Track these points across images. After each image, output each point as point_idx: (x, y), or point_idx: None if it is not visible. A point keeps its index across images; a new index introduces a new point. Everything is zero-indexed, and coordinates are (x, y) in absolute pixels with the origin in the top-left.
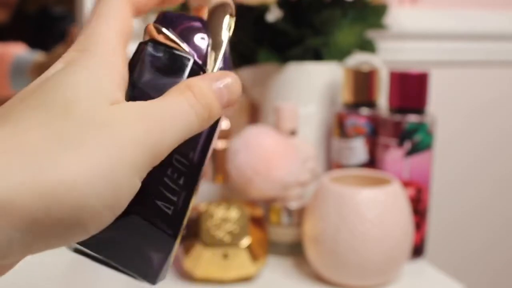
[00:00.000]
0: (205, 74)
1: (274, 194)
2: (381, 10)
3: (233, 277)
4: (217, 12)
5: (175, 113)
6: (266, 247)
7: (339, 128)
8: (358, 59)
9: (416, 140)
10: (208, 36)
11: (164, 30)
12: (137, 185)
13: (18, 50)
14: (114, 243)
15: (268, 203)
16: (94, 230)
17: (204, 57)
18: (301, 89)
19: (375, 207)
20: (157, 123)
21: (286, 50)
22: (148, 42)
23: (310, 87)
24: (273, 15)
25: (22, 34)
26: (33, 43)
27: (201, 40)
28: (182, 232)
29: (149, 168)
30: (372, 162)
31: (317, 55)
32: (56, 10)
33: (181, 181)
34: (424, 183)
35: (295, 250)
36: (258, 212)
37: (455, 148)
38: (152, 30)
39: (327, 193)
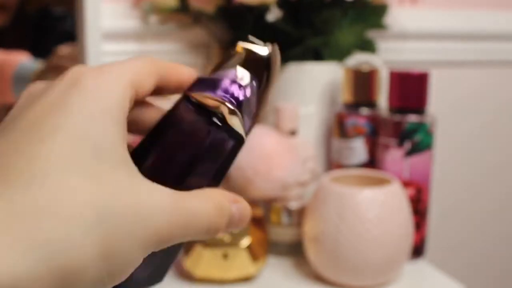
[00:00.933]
0: (227, 192)
1: (274, 194)
2: (381, 10)
3: (233, 277)
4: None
5: (196, 217)
6: (266, 247)
7: (339, 128)
8: (358, 59)
9: (416, 140)
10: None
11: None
12: (139, 260)
13: (21, 58)
14: None
15: (268, 203)
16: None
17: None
18: (301, 89)
19: (375, 207)
20: (178, 217)
21: (286, 50)
22: (189, 100)
23: (310, 87)
24: (273, 15)
25: (23, 35)
26: (33, 44)
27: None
28: None
29: (153, 250)
30: (372, 162)
31: (317, 55)
32: (56, 10)
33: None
34: (424, 183)
35: (295, 250)
36: (258, 212)
37: (455, 148)
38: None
39: (327, 193)
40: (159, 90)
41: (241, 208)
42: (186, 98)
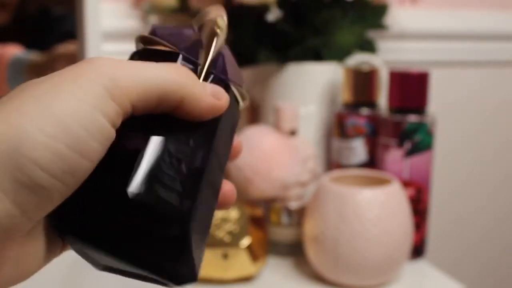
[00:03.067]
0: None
1: (274, 194)
2: (381, 10)
3: (233, 277)
4: (207, 19)
5: (140, 62)
6: (266, 247)
7: (339, 128)
8: (358, 59)
9: (416, 140)
10: (199, 41)
11: (152, 37)
12: (97, 118)
13: (14, 51)
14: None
15: (268, 203)
16: (59, 172)
17: (195, 56)
18: (301, 89)
19: (375, 207)
20: (115, 61)
21: (286, 50)
22: (138, 51)
23: (310, 87)
24: (273, 15)
25: (22, 35)
26: (33, 44)
27: (193, 42)
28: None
29: (112, 104)
30: (372, 162)
31: (317, 55)
32: (56, 10)
33: (183, 167)
34: (424, 183)
35: (295, 250)
36: (258, 212)
37: (455, 148)
38: (142, 38)
39: (327, 193)
40: None
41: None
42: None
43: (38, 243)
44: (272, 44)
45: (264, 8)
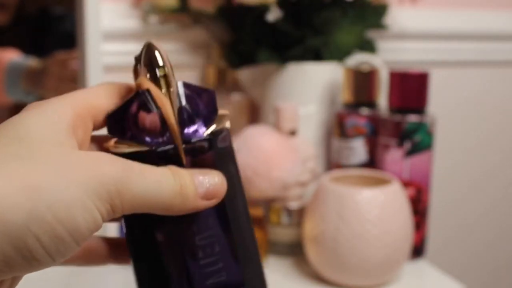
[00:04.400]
0: (191, 169)
1: (274, 194)
2: (381, 10)
3: None
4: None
5: (145, 170)
6: (266, 247)
7: (339, 128)
8: (358, 59)
9: (416, 140)
10: (153, 105)
11: (114, 144)
12: (95, 214)
13: (12, 56)
14: None
15: (268, 203)
16: (50, 245)
17: (164, 132)
18: (301, 89)
19: (375, 207)
20: (122, 166)
21: (286, 50)
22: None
23: (310, 87)
24: (273, 15)
25: (22, 35)
26: (33, 44)
27: (151, 116)
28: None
29: (106, 203)
30: (372, 162)
31: (317, 55)
32: (56, 10)
33: (216, 249)
34: (424, 183)
35: (295, 250)
36: (258, 212)
37: (455, 148)
38: (107, 146)
39: (327, 193)
40: None
41: (211, 179)
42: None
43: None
44: (272, 44)
45: (264, 8)
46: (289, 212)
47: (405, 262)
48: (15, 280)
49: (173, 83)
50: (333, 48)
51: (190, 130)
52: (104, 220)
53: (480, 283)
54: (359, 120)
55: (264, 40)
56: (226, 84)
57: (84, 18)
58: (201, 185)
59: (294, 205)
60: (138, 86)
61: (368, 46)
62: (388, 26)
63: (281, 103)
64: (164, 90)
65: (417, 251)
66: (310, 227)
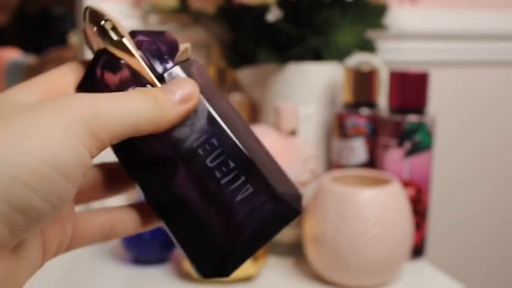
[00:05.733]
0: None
1: None
2: (381, 10)
3: (233, 277)
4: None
5: (115, 96)
6: (266, 247)
7: (339, 128)
8: (358, 59)
9: (416, 140)
10: (115, 57)
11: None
12: (78, 147)
13: (12, 54)
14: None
15: None
16: (42, 189)
17: (135, 80)
18: (301, 89)
19: (375, 207)
20: (93, 98)
21: (286, 50)
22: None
23: (310, 87)
24: (273, 15)
25: (23, 35)
26: (33, 44)
27: (119, 68)
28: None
29: (92, 139)
30: (372, 162)
31: (317, 55)
32: (56, 11)
33: (231, 165)
34: (424, 183)
35: (295, 250)
36: None
37: (455, 148)
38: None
39: (327, 193)
40: None
41: (174, 81)
42: None
43: (22, 259)
44: (272, 44)
45: (264, 8)
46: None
47: (405, 262)
48: (47, 250)
49: (125, 32)
50: (333, 48)
51: (158, 68)
52: (93, 154)
53: (480, 283)
54: (359, 120)
55: (264, 40)
56: (226, 84)
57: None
58: (173, 92)
59: None
60: (95, 51)
61: (368, 46)
62: (388, 26)
63: (281, 103)
64: (118, 39)
65: (417, 251)
66: (310, 227)
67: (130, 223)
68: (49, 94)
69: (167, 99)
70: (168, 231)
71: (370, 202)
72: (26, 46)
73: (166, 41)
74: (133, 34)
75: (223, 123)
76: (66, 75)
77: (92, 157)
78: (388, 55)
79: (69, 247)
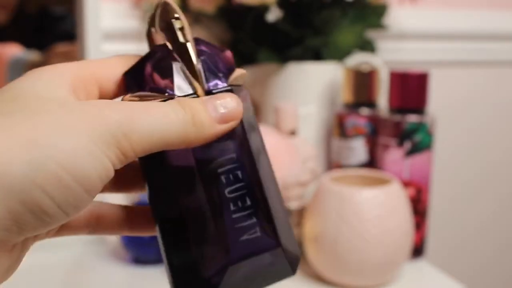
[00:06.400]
0: (199, 97)
1: None
2: (381, 10)
3: None
4: (165, 27)
5: (150, 107)
6: None
7: (339, 128)
8: (358, 59)
9: (416, 140)
10: (172, 58)
11: (129, 96)
12: (104, 160)
13: (14, 51)
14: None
15: None
16: (59, 196)
17: (183, 83)
18: (301, 89)
19: (375, 207)
20: (125, 109)
21: (286, 50)
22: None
23: (310, 87)
24: (273, 15)
25: (22, 34)
26: (33, 43)
27: (171, 70)
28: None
29: (115, 148)
30: (372, 162)
31: (317, 55)
32: (56, 10)
33: (248, 202)
34: (424, 183)
35: None
36: None
37: (455, 148)
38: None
39: (327, 193)
40: None
41: (222, 99)
42: None
43: (12, 256)
44: (272, 44)
45: (264, 8)
46: (289, 212)
47: (405, 262)
48: (26, 244)
49: (190, 37)
50: (333, 48)
51: (210, 83)
52: (116, 167)
53: (480, 283)
54: (359, 120)
55: (264, 40)
56: None
57: (84, 18)
58: (215, 109)
59: (294, 205)
60: (153, 42)
61: (368, 46)
62: (388, 26)
63: (281, 103)
64: (182, 41)
65: (417, 251)
66: (310, 227)
67: (116, 223)
68: (81, 81)
69: (207, 117)
70: (160, 245)
71: (370, 202)
72: (26, 46)
73: (225, 60)
74: (196, 41)
75: (255, 158)
76: (107, 65)
77: (115, 168)
78: (388, 55)
79: (54, 235)
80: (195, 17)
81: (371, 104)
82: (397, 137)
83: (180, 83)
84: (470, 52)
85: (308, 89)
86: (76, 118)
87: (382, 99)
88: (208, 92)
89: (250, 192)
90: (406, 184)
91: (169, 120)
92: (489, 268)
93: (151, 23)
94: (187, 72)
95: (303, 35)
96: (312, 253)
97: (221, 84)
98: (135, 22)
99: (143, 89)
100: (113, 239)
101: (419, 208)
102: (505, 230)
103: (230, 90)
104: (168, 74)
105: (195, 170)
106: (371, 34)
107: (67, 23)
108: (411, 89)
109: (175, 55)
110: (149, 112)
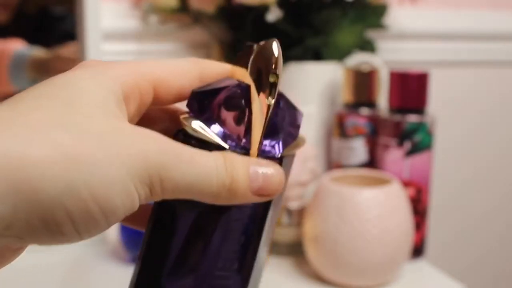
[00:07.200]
0: (249, 157)
1: None
2: (381, 10)
3: None
4: (257, 73)
5: (195, 157)
6: None
7: (339, 128)
8: (358, 59)
9: (416, 140)
10: (248, 102)
11: (193, 124)
12: (134, 197)
13: (16, 46)
14: None
15: None
16: (80, 223)
17: (244, 135)
18: (301, 89)
19: (375, 207)
20: (170, 151)
21: (286, 50)
22: (179, 131)
23: (310, 87)
24: (273, 15)
25: (22, 34)
26: (33, 43)
27: (239, 114)
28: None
29: (146, 187)
30: (372, 162)
31: (317, 55)
32: (56, 10)
33: (234, 267)
34: (424, 183)
35: (295, 250)
36: None
37: (455, 148)
38: (182, 122)
39: (327, 193)
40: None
41: (267, 172)
42: None
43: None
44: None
45: (264, 8)
46: (289, 212)
47: (405, 262)
48: (19, 249)
49: (275, 95)
50: (333, 48)
51: (268, 143)
52: (142, 202)
53: (480, 283)
54: (359, 120)
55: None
56: None
57: (84, 18)
58: (256, 179)
59: (294, 205)
60: (237, 74)
61: (368, 46)
62: (388, 26)
63: None
64: (267, 98)
65: (417, 251)
66: (310, 227)
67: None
68: (138, 87)
69: (244, 187)
70: (133, 278)
71: (370, 202)
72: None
73: (294, 120)
74: (279, 94)
75: (263, 235)
76: (173, 72)
77: (140, 203)
78: (388, 55)
79: None
80: (195, 17)
81: (371, 104)
82: (397, 137)
83: (236, 131)
84: (470, 52)
85: (308, 89)
86: (121, 146)
87: (382, 99)
88: (260, 154)
89: (241, 261)
90: (406, 184)
91: (209, 180)
92: (489, 268)
93: (248, 50)
94: (250, 123)
95: (303, 35)
96: (312, 253)
97: (275, 151)
98: (135, 22)
99: (203, 113)
100: (113, 239)
101: (419, 208)
102: (505, 230)
103: (281, 160)
104: (231, 116)
105: (208, 219)
106: (371, 34)
107: (67, 23)
108: (411, 89)
109: (252, 103)
110: (193, 163)
